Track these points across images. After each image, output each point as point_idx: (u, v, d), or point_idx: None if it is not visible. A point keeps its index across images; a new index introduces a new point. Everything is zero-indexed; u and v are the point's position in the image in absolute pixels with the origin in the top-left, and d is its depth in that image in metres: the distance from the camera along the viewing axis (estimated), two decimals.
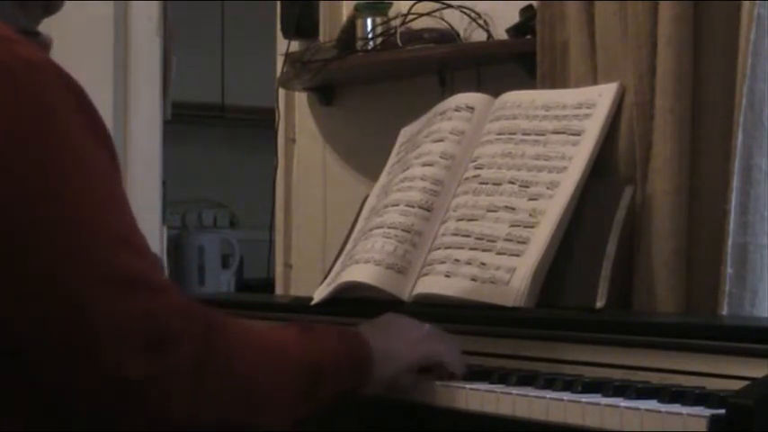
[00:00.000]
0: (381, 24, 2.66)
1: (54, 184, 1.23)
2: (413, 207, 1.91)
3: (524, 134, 1.90)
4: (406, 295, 1.84)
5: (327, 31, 2.87)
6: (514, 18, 2.41)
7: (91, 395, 1.24)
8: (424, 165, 1.97)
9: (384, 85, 2.80)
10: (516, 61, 2.37)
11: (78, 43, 3.02)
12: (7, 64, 1.23)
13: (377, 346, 1.46)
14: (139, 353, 1.22)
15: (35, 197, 1.22)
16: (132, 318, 1.22)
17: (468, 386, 1.48)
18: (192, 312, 1.27)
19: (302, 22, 2.87)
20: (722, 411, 1.22)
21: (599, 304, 1.68)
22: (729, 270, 1.75)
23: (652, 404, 1.30)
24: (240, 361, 1.31)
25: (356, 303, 1.88)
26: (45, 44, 1.40)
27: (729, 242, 1.75)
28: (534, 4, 2.28)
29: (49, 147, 1.24)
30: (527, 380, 1.47)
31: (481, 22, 2.55)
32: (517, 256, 1.75)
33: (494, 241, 1.79)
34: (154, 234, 3.16)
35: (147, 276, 1.25)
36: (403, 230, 1.89)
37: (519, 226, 1.78)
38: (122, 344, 1.21)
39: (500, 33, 2.50)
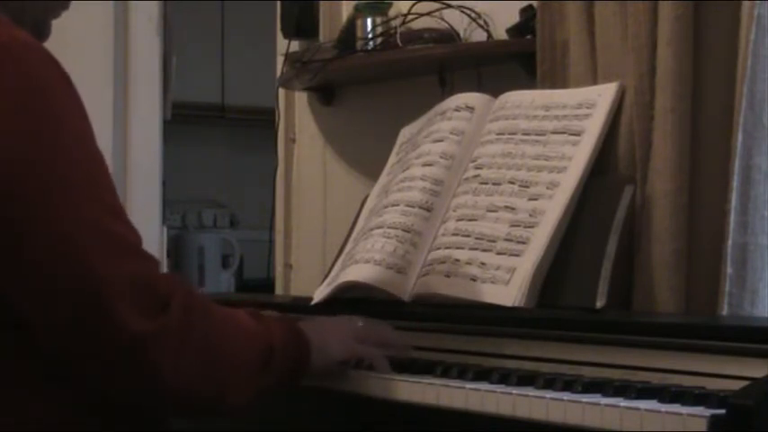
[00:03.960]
0: (381, 24, 2.66)
1: (53, 155, 1.33)
2: (413, 207, 1.91)
3: (524, 134, 1.90)
4: (406, 295, 1.84)
5: (327, 31, 2.87)
6: (514, 18, 2.41)
7: (95, 354, 1.33)
8: (425, 165, 1.97)
9: (384, 85, 2.79)
10: (516, 61, 2.37)
11: (78, 43, 3.02)
12: (6, 44, 1.34)
13: (312, 338, 1.55)
14: (139, 311, 1.32)
15: (35, 166, 1.31)
16: (131, 279, 1.33)
17: (468, 386, 1.48)
18: (173, 279, 1.41)
19: (302, 22, 2.87)
20: (722, 411, 1.22)
21: (599, 304, 1.68)
22: (729, 270, 1.75)
23: (652, 404, 1.30)
24: (214, 327, 1.42)
25: (356, 303, 1.87)
26: None
27: (729, 242, 1.75)
28: (534, 4, 2.28)
29: (49, 119, 1.34)
30: (527, 380, 1.48)
31: (481, 22, 2.55)
32: (517, 256, 1.75)
33: (494, 241, 1.79)
34: (154, 234, 3.16)
35: (137, 244, 1.38)
36: (403, 230, 1.89)
37: (519, 226, 1.78)
38: (124, 302, 1.31)
39: (500, 33, 2.49)
